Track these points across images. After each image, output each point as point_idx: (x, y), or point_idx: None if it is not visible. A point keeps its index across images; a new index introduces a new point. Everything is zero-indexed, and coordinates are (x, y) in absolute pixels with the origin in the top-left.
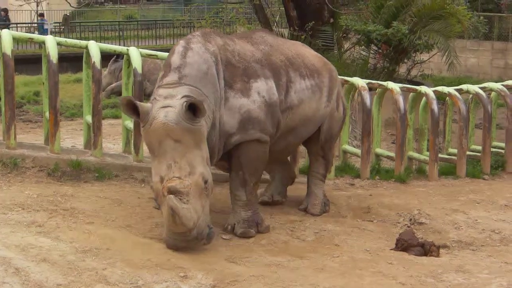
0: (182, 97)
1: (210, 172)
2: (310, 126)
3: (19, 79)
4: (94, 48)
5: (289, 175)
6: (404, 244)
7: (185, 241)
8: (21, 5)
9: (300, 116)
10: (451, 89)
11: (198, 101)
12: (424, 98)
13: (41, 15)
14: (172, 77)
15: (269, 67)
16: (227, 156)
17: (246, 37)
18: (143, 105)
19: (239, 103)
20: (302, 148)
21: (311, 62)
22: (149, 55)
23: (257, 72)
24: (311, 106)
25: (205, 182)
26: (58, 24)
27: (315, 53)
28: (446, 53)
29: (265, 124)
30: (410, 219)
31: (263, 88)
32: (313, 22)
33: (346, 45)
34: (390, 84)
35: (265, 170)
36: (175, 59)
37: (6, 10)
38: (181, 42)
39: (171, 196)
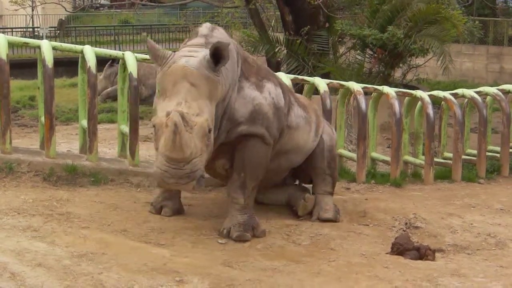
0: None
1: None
2: (300, 156)
3: (15, 83)
4: (90, 53)
5: None
6: (400, 248)
7: (176, 176)
8: (16, 10)
9: (294, 141)
10: (446, 94)
11: (223, 45)
12: (419, 103)
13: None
14: (198, 40)
15: (276, 79)
16: (230, 156)
17: None
18: (162, 50)
19: (253, 94)
20: None
21: (300, 98)
22: (145, 60)
23: (268, 76)
24: (303, 136)
25: (209, 130)
26: (53, 29)
27: None
28: (441, 58)
29: (272, 123)
30: (406, 223)
31: (273, 91)
32: (308, 26)
33: (342, 50)
34: (386, 89)
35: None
36: (203, 29)
37: None
38: (207, 23)
39: (177, 113)
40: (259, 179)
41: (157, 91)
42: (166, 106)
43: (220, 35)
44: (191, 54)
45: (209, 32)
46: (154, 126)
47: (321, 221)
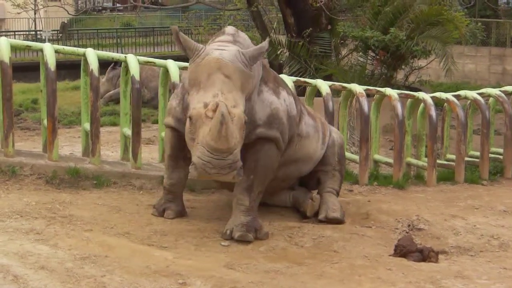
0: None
1: None
2: (309, 165)
3: (17, 86)
4: (92, 56)
5: None
6: (403, 250)
7: (218, 166)
8: (18, 13)
9: (305, 150)
10: (449, 95)
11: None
12: (422, 104)
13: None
14: (226, 37)
15: (289, 89)
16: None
17: None
18: (194, 42)
19: (271, 99)
20: None
21: (308, 107)
22: (147, 62)
23: (283, 84)
24: (313, 145)
25: (245, 122)
26: (55, 32)
27: None
28: (444, 59)
29: (285, 129)
30: (409, 225)
31: (287, 99)
32: (310, 28)
33: (344, 52)
34: (388, 91)
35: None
36: (229, 29)
37: None
38: (231, 26)
39: (224, 104)
40: (266, 185)
41: (186, 82)
42: (203, 97)
43: (244, 36)
44: (224, 48)
45: (235, 32)
46: (190, 117)
47: (328, 219)
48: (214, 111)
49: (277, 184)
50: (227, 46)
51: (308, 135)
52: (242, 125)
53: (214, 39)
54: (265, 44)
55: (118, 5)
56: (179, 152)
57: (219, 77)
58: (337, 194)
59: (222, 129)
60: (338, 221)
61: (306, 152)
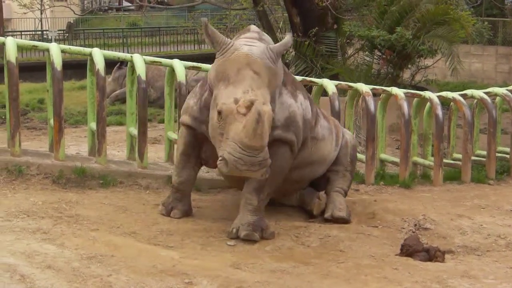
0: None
1: None
2: (323, 167)
3: (24, 86)
4: (98, 55)
5: None
6: (409, 250)
7: (250, 163)
8: (25, 13)
9: (320, 153)
10: (455, 94)
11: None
12: (428, 104)
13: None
14: (252, 34)
15: (306, 92)
16: None
17: None
18: (222, 36)
19: (289, 101)
20: None
21: (322, 109)
22: (153, 62)
23: (300, 87)
24: (327, 147)
25: (272, 118)
26: (62, 32)
27: None
28: (450, 59)
29: (300, 132)
30: (415, 225)
31: (303, 102)
32: (316, 28)
33: (350, 51)
34: (394, 90)
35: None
36: (254, 28)
37: None
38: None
39: (260, 102)
40: (276, 187)
41: (213, 74)
42: (232, 92)
43: (267, 35)
44: (252, 44)
45: (259, 31)
46: (219, 112)
47: (334, 218)
48: (247, 107)
49: (292, 186)
50: (255, 42)
51: (324, 138)
52: (271, 122)
53: (239, 36)
54: (289, 39)
55: (128, 4)
56: (191, 150)
57: (248, 73)
58: (345, 194)
59: (258, 127)
60: (344, 221)
61: (321, 155)
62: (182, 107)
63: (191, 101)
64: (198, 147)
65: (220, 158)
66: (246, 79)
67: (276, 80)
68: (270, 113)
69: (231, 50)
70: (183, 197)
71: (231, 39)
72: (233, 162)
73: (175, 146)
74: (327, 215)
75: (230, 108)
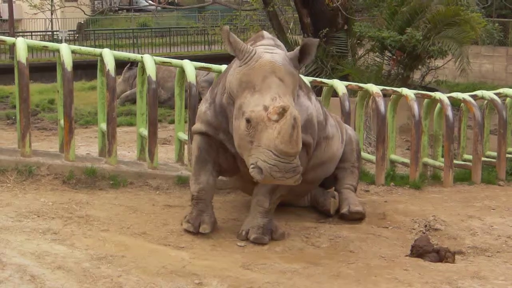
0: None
1: None
2: (334, 164)
3: (34, 87)
4: (108, 56)
5: None
6: (419, 251)
7: (284, 169)
8: (35, 14)
9: (331, 151)
10: (465, 95)
11: (313, 42)
12: (438, 104)
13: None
14: (268, 41)
15: (315, 94)
16: None
17: None
18: (243, 44)
19: (306, 104)
20: None
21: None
22: (163, 63)
23: (311, 90)
24: (337, 145)
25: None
26: (72, 32)
27: None
28: (458, 59)
29: (316, 135)
30: (425, 225)
31: (317, 104)
32: (327, 29)
33: (360, 52)
34: (405, 91)
35: None
36: (266, 34)
37: None
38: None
39: (294, 109)
40: (289, 189)
41: (235, 83)
42: (260, 100)
43: (279, 41)
44: (272, 51)
45: (272, 36)
46: (248, 120)
47: (351, 213)
48: (279, 114)
49: (307, 188)
50: (274, 49)
51: (333, 136)
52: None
53: (255, 43)
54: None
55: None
56: (207, 155)
57: (274, 80)
58: (355, 190)
59: (294, 133)
60: (361, 215)
61: (332, 153)
62: (197, 115)
63: (203, 107)
64: (214, 153)
65: (252, 166)
66: (273, 86)
67: (296, 86)
68: (299, 118)
69: (255, 58)
70: (206, 207)
71: (241, 39)
72: (268, 169)
73: (185, 147)
74: (344, 210)
75: (260, 116)
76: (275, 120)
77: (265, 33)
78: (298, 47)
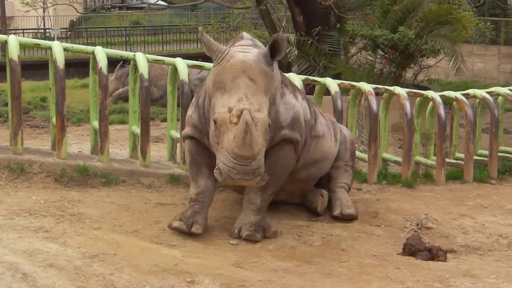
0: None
1: None
2: (328, 163)
3: (26, 84)
4: (101, 54)
5: None
6: (411, 249)
7: (243, 172)
8: (27, 11)
9: (323, 150)
10: (457, 94)
11: (282, 38)
12: (430, 103)
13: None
14: (246, 41)
15: (302, 93)
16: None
17: None
18: (217, 44)
19: (293, 102)
20: None
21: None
22: (156, 61)
23: (297, 88)
24: (329, 144)
25: (268, 125)
26: (64, 30)
27: None
28: (453, 58)
29: (303, 132)
30: (417, 224)
31: (303, 103)
32: (319, 27)
33: (353, 50)
34: (397, 89)
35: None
36: (246, 35)
37: None
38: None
39: (248, 111)
40: (279, 187)
41: (210, 84)
42: (227, 101)
43: (261, 43)
44: (247, 50)
45: (252, 37)
46: (214, 121)
47: (343, 215)
48: (239, 117)
49: (300, 186)
50: (249, 49)
51: (324, 134)
52: (266, 129)
53: (233, 44)
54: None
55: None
56: (199, 158)
57: (243, 80)
58: (349, 189)
59: (247, 137)
60: (353, 218)
61: (324, 151)
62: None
63: (189, 111)
64: (206, 155)
65: (216, 167)
66: (241, 87)
67: (273, 84)
68: (264, 120)
69: (227, 58)
70: (201, 209)
71: (232, 37)
72: (226, 172)
73: (177, 145)
74: (336, 212)
75: (223, 118)
76: (235, 123)
77: (245, 34)
78: (268, 45)
